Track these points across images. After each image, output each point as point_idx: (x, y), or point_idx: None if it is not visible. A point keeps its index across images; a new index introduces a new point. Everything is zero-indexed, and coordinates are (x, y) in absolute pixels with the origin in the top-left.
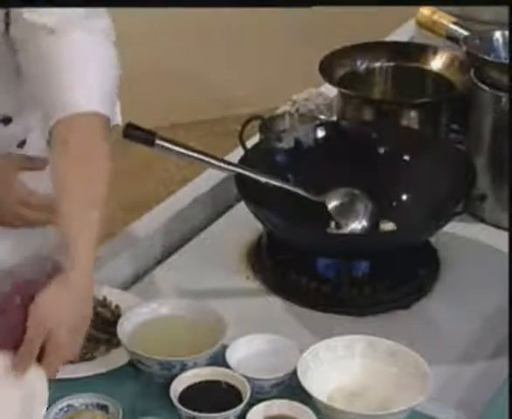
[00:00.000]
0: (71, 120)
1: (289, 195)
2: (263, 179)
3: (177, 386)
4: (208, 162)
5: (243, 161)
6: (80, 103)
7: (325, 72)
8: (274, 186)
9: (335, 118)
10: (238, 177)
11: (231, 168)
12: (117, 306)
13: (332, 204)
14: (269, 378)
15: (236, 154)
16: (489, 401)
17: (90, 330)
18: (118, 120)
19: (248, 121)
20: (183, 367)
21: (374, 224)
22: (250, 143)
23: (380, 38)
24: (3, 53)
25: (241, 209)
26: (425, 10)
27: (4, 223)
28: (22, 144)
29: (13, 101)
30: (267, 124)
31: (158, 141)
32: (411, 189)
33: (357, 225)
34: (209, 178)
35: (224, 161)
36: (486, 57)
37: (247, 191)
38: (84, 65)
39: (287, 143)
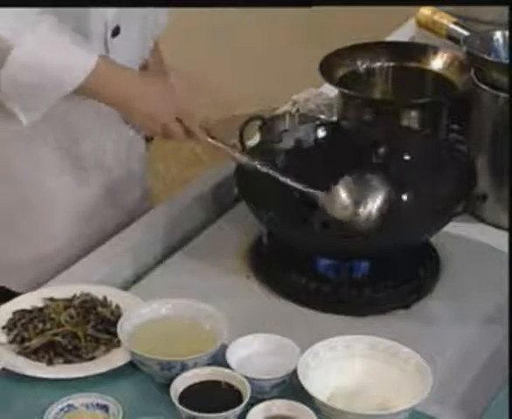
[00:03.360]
0: None
1: (289, 195)
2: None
3: (178, 386)
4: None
5: (242, 167)
6: None
7: (325, 72)
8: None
9: (335, 118)
10: (239, 177)
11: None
12: (117, 306)
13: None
14: (269, 378)
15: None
16: (490, 401)
17: (90, 330)
18: None
19: (248, 121)
20: (184, 367)
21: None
22: (250, 143)
23: (380, 38)
24: None
25: (241, 209)
26: (425, 10)
27: (154, 134)
28: None
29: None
30: (268, 124)
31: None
32: (411, 189)
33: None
34: (209, 178)
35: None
36: (486, 57)
37: (247, 191)
38: None
39: (287, 143)
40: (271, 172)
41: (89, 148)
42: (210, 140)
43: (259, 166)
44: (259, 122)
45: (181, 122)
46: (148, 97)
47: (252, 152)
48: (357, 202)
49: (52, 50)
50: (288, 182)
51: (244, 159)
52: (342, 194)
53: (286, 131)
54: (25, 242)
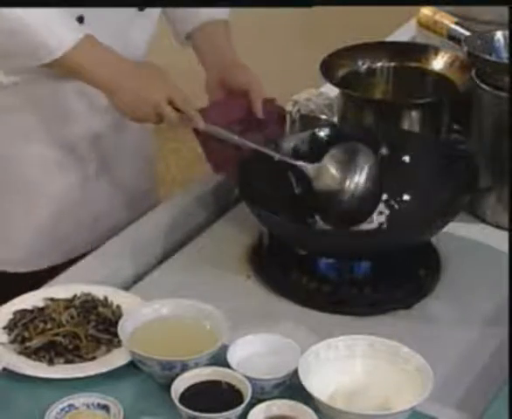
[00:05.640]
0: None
1: (289, 195)
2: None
3: (178, 386)
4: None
5: (243, 167)
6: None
7: (326, 72)
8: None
9: (336, 118)
10: (240, 177)
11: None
12: (118, 306)
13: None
14: (270, 378)
15: None
16: (490, 401)
17: (91, 330)
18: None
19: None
20: (184, 368)
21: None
22: None
23: (381, 38)
24: None
25: (242, 209)
26: (426, 11)
27: (144, 117)
28: None
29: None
30: None
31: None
32: (412, 190)
33: (359, 179)
34: (209, 178)
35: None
36: (487, 57)
37: (248, 191)
38: None
39: (285, 149)
40: (263, 149)
41: (80, 138)
42: (205, 124)
43: (249, 143)
44: None
45: (173, 106)
46: (138, 77)
47: (251, 158)
48: (345, 173)
49: (37, 19)
50: (275, 155)
51: (239, 140)
52: (330, 165)
53: (283, 139)
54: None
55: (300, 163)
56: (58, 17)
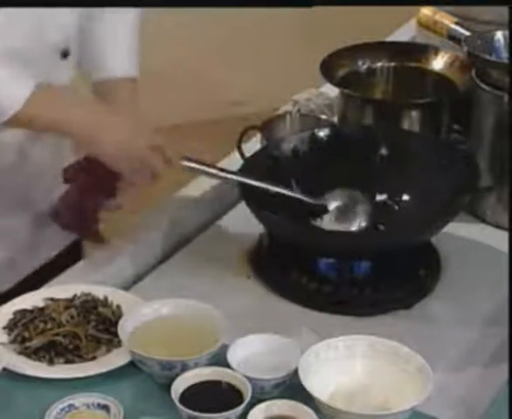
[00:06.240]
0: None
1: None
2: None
3: (178, 386)
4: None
5: (242, 170)
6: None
7: (326, 72)
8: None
9: (336, 118)
10: (241, 177)
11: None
12: (118, 306)
13: (332, 206)
14: (270, 378)
15: (236, 157)
16: (490, 401)
17: (91, 330)
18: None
19: (244, 132)
20: (184, 368)
21: (372, 226)
22: (251, 143)
23: (381, 38)
24: None
25: (242, 209)
26: (426, 11)
27: (127, 163)
28: None
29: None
30: (268, 125)
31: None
32: (412, 190)
33: (356, 227)
34: (210, 178)
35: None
36: (487, 57)
37: (249, 192)
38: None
39: (285, 151)
40: (258, 184)
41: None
42: (188, 164)
43: (243, 180)
44: (258, 123)
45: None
46: (120, 126)
47: (251, 160)
48: (343, 218)
49: None
50: (273, 188)
51: (226, 175)
52: (331, 208)
53: (283, 139)
54: None
55: (302, 197)
56: (8, 77)
